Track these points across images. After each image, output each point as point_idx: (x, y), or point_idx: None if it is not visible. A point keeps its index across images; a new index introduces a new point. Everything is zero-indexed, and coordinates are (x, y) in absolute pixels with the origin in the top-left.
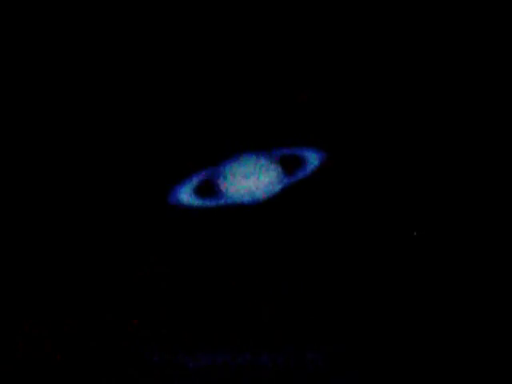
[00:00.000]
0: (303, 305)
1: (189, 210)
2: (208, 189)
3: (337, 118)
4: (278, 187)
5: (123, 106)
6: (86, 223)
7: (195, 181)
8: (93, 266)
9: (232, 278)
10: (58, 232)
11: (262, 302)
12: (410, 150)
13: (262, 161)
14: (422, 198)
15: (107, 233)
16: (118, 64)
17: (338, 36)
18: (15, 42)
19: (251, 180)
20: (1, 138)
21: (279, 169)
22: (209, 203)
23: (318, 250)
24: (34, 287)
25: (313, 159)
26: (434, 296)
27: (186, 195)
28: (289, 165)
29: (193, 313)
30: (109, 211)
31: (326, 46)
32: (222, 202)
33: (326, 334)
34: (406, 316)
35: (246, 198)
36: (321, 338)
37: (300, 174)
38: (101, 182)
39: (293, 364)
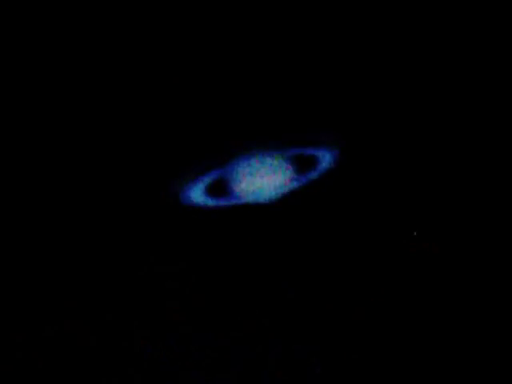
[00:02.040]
0: (309, 306)
1: (201, 209)
2: (220, 188)
3: (351, 114)
4: (290, 187)
5: (135, 105)
6: (102, 221)
7: (207, 180)
8: (101, 265)
9: (242, 278)
10: (62, 232)
11: (269, 303)
12: (420, 151)
13: (274, 160)
14: (427, 198)
15: (116, 232)
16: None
17: (351, 32)
18: (15, 42)
19: (263, 180)
20: None
21: (292, 168)
22: (221, 203)
23: (328, 249)
24: (35, 286)
25: (325, 159)
26: (434, 296)
27: (198, 195)
28: (301, 164)
29: (199, 311)
30: (119, 210)
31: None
32: (234, 201)
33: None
34: (408, 316)
35: (258, 198)
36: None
37: (313, 174)
38: (112, 182)
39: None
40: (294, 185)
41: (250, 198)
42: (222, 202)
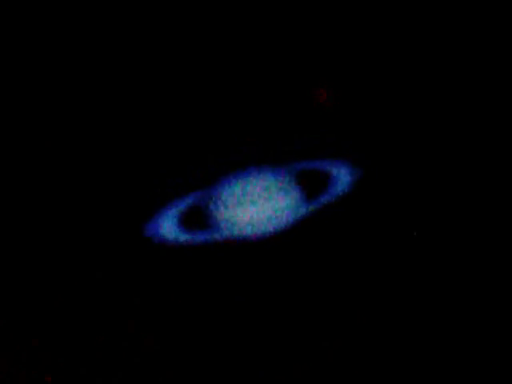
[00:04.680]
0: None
1: (171, 245)
2: (197, 218)
3: (373, 122)
4: (295, 215)
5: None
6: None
7: (180, 207)
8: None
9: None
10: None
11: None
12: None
13: (274, 179)
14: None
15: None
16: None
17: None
18: (15, 42)
19: (258, 206)
20: None
21: (297, 190)
22: (198, 237)
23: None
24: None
25: (342, 177)
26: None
27: (167, 226)
28: (310, 184)
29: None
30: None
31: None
32: (215, 235)
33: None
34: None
35: (250, 231)
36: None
37: (325, 198)
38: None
39: None
40: (302, 212)
41: (236, 231)
42: (200, 237)
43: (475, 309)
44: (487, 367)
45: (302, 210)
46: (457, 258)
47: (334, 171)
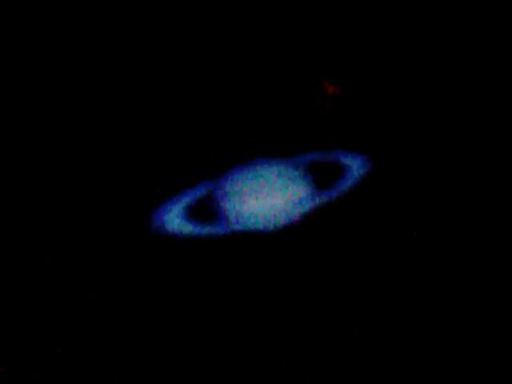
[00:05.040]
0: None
1: (177, 238)
2: (204, 211)
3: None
4: (305, 208)
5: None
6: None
7: (187, 199)
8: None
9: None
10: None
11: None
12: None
13: (283, 171)
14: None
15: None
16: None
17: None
18: (15, 42)
19: (266, 199)
20: None
21: (307, 182)
22: (205, 230)
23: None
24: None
25: (354, 168)
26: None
27: (173, 219)
28: (321, 176)
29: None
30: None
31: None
32: (223, 229)
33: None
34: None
35: (259, 224)
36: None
37: (336, 189)
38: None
39: None
40: (312, 204)
41: (247, 224)
42: (207, 230)
43: (475, 304)
44: (487, 367)
45: (313, 203)
46: (466, 252)
47: (346, 163)
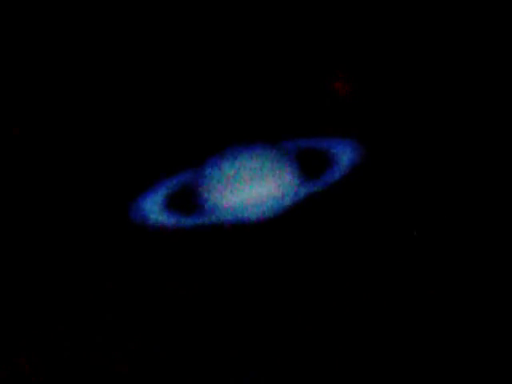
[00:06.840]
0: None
1: (157, 229)
2: (185, 200)
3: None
4: (291, 197)
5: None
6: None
7: (167, 189)
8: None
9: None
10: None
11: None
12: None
13: (270, 158)
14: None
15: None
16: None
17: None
18: (15, 42)
19: (252, 187)
20: None
21: (295, 170)
22: (186, 221)
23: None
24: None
25: (344, 156)
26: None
27: (153, 209)
28: (310, 164)
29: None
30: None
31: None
32: (205, 219)
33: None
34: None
35: (244, 214)
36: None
37: (325, 179)
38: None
39: None
40: (299, 193)
41: (229, 215)
42: (188, 221)
43: (476, 302)
44: (487, 367)
45: (301, 192)
46: (462, 246)
47: (335, 151)
